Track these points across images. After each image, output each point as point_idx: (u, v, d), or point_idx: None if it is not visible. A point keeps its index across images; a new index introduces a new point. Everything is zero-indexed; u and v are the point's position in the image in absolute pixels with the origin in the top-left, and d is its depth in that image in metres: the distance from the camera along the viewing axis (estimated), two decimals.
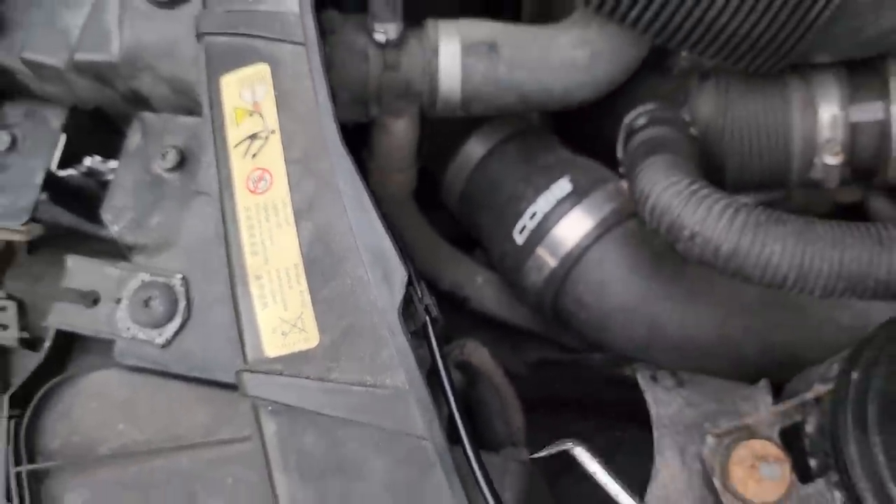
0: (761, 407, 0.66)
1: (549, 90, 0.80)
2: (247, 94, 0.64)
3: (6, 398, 0.68)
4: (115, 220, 0.71)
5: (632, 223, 0.83)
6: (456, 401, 0.60)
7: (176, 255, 0.69)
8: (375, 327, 0.58)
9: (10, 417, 0.67)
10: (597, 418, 0.91)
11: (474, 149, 0.93)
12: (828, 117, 0.80)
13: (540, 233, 0.84)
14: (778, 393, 0.71)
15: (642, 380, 0.66)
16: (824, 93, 0.81)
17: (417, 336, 0.61)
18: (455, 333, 0.77)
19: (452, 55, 0.79)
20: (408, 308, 0.60)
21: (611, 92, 0.84)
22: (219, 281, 0.63)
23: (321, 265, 0.60)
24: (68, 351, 0.72)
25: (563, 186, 0.85)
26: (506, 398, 0.74)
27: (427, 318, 0.60)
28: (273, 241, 0.60)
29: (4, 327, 0.73)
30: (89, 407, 0.69)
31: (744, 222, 0.67)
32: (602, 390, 0.89)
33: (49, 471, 0.67)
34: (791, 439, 0.65)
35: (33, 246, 0.80)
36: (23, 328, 0.73)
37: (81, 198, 0.77)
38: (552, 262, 0.83)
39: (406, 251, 0.62)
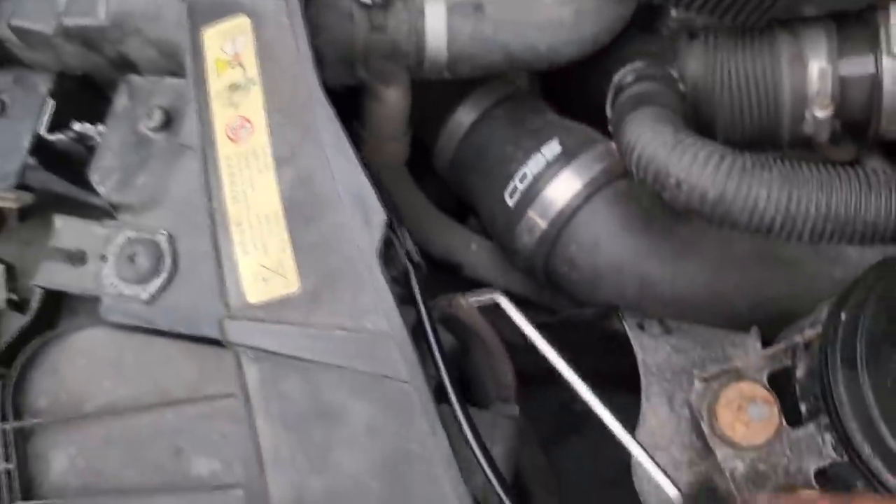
0: (750, 352, 0.65)
1: (534, 49, 0.80)
2: (228, 46, 0.65)
3: None
4: (102, 181, 0.71)
5: (622, 183, 0.83)
6: (440, 350, 0.60)
7: (162, 213, 0.69)
8: (356, 271, 0.58)
9: None
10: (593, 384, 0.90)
11: (465, 115, 0.92)
12: (817, 70, 0.80)
13: (530, 195, 0.84)
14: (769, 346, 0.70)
15: (629, 327, 0.66)
16: (813, 46, 0.80)
17: (399, 282, 0.61)
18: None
19: (438, 15, 0.79)
20: (388, 252, 0.60)
21: (599, 53, 0.84)
22: (205, 237, 0.63)
23: (302, 211, 0.60)
24: (57, 311, 0.72)
25: (552, 148, 0.85)
26: (495, 354, 0.73)
27: (409, 263, 0.60)
28: (254, 187, 0.60)
29: None
30: (76, 365, 0.69)
31: (729, 168, 0.66)
32: (598, 356, 0.88)
33: (35, 428, 0.67)
34: (782, 385, 0.64)
35: (24, 213, 0.80)
36: (11, 290, 0.73)
37: (71, 163, 0.77)
38: (543, 224, 0.83)
39: (390, 200, 0.62)
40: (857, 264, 0.77)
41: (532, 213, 0.84)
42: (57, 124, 0.76)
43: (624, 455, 0.64)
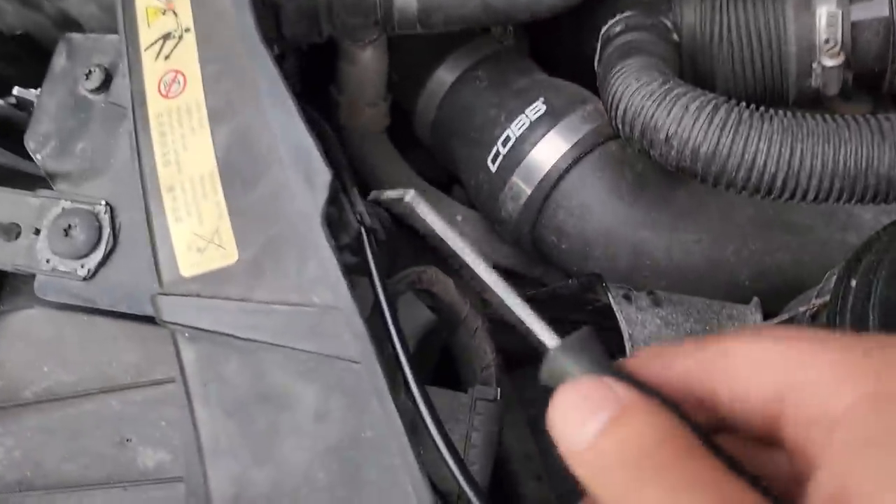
0: (748, 325, 0.58)
1: None
2: None
3: None
4: (39, 148, 0.65)
5: (613, 145, 0.76)
6: (395, 324, 0.53)
7: (103, 182, 0.63)
8: (301, 238, 0.52)
9: None
10: None
11: (444, 75, 0.86)
12: (825, 16, 0.72)
13: (514, 159, 0.77)
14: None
15: (614, 299, 0.59)
16: None
17: (353, 250, 0.55)
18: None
19: None
20: (340, 218, 0.54)
21: (590, 5, 0.77)
22: None
23: (240, 172, 0.53)
24: None
25: (537, 109, 0.78)
26: (472, 330, 0.67)
27: (361, 228, 0.54)
28: (186, 147, 0.54)
29: None
30: (13, 348, 0.63)
31: (724, 119, 0.59)
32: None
33: None
34: None
35: None
36: None
37: (12, 132, 0.72)
38: (527, 190, 0.76)
39: (340, 158, 0.55)
40: (872, 228, 0.70)
41: (516, 179, 0.77)
42: None
43: None
